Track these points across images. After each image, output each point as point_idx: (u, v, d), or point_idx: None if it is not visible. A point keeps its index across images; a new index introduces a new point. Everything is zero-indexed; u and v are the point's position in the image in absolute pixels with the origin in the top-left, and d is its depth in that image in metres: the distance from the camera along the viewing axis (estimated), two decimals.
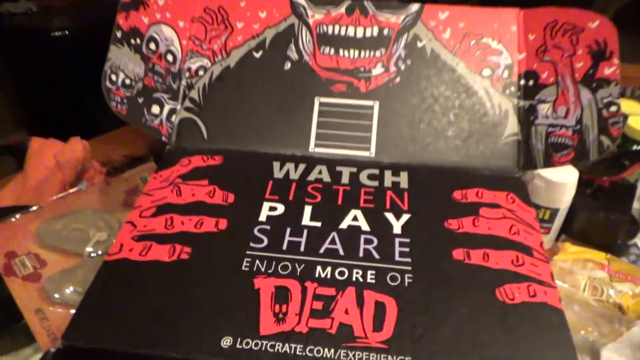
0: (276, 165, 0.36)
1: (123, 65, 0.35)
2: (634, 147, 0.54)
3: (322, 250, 0.30)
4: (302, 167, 0.36)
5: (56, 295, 0.37)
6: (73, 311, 0.37)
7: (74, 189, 0.45)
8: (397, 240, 0.31)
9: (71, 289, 0.38)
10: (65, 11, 1.84)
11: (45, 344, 0.36)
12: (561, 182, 0.46)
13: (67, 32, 1.69)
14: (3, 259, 0.38)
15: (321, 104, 0.38)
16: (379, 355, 0.25)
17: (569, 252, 0.47)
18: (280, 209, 0.33)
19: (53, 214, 0.41)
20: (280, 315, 0.26)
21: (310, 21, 0.40)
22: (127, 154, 0.55)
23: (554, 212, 0.48)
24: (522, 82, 0.37)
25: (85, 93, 1.77)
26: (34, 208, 0.41)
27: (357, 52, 0.39)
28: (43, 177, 0.53)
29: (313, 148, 0.37)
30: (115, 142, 0.62)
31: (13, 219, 0.40)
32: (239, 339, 0.25)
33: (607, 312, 0.40)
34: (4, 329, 0.37)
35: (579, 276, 0.44)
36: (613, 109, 0.33)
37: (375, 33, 0.39)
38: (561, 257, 0.47)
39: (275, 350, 0.25)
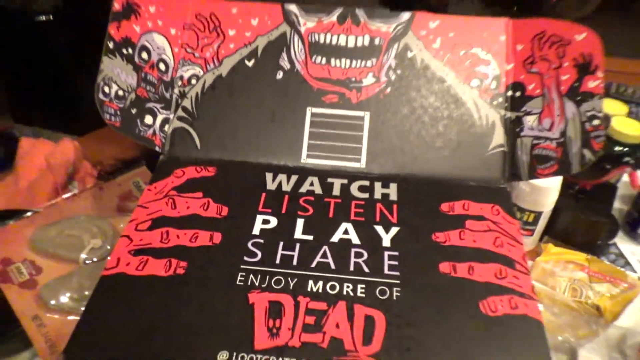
0: (269, 176, 0.37)
1: (115, 77, 0.35)
2: (617, 149, 0.55)
3: (314, 264, 0.31)
4: (294, 178, 0.37)
5: (52, 302, 0.38)
6: (70, 317, 0.38)
7: (67, 195, 0.46)
8: (386, 253, 0.32)
9: (67, 295, 0.38)
10: None
11: (43, 349, 0.36)
12: (545, 186, 0.47)
13: (50, 17, 1.65)
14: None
15: (313, 115, 0.39)
16: None
17: (551, 253, 0.49)
18: (274, 222, 0.33)
19: (47, 220, 0.41)
20: (274, 330, 0.27)
21: (302, 29, 0.40)
22: (118, 155, 0.55)
23: (538, 215, 0.49)
24: (510, 93, 0.38)
25: (71, 78, 1.74)
26: (28, 214, 0.42)
27: (348, 61, 0.39)
28: (34, 178, 0.53)
29: (305, 159, 0.38)
30: (106, 141, 0.62)
31: (7, 225, 0.40)
32: (235, 354, 0.26)
33: (585, 314, 0.42)
34: (1, 334, 0.38)
35: (559, 277, 0.46)
36: (596, 122, 0.34)
37: (366, 42, 0.40)
38: (543, 258, 0.49)
39: None
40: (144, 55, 0.37)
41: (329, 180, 0.37)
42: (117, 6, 0.35)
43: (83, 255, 0.41)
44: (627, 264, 0.52)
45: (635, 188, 0.51)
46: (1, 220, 0.41)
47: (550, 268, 0.48)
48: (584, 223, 0.51)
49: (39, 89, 1.78)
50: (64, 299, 0.38)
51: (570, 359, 0.40)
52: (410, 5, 0.43)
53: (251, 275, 0.30)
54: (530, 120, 0.37)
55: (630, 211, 0.55)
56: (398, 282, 0.30)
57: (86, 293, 0.39)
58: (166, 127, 0.39)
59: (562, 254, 0.49)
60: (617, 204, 0.59)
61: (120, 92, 0.35)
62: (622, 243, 0.55)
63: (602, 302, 0.43)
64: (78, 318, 0.37)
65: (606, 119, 0.54)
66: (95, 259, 0.41)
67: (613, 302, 0.43)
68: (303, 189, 0.36)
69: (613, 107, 0.64)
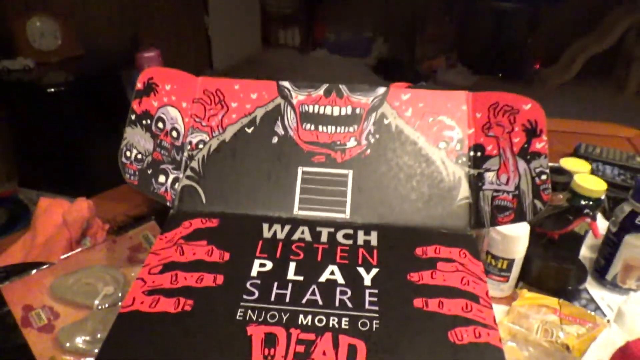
0: (265, 226, 0.42)
1: (136, 143, 0.41)
2: (580, 202, 0.61)
3: (304, 301, 0.35)
4: (287, 227, 0.42)
5: (68, 345, 0.42)
6: (83, 359, 0.41)
7: (81, 248, 0.50)
8: (367, 291, 0.36)
9: (82, 338, 0.42)
10: (61, 67, 1.93)
11: None
12: (514, 235, 0.53)
13: (62, 88, 1.77)
14: (21, 312, 0.43)
15: (304, 173, 0.45)
16: None
17: (525, 298, 0.53)
18: (269, 265, 0.38)
19: (65, 270, 0.46)
20: (269, 358, 0.32)
21: (294, 102, 0.47)
22: (129, 212, 0.61)
23: (511, 262, 0.54)
24: (472, 153, 0.45)
25: (77, 145, 1.83)
26: (46, 265, 0.46)
27: (333, 127, 0.46)
28: (51, 234, 0.58)
29: (297, 211, 0.43)
30: (117, 200, 0.68)
31: (30, 275, 0.45)
32: None
33: (555, 352, 0.45)
34: None
35: (532, 320, 0.50)
36: (543, 177, 0.40)
37: (349, 112, 0.47)
38: (519, 303, 0.53)
39: None
40: (160, 124, 0.44)
41: (318, 229, 0.42)
42: (139, 85, 0.42)
43: (97, 302, 0.45)
44: (598, 308, 0.56)
45: (597, 237, 0.56)
46: (24, 272, 0.46)
47: (525, 311, 0.52)
48: (553, 270, 0.56)
49: (45, 155, 1.86)
50: (79, 341, 0.42)
51: None
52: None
53: (249, 311, 0.35)
54: (490, 176, 0.43)
55: (597, 259, 0.60)
56: (377, 315, 0.35)
57: (99, 336, 0.43)
58: (176, 185, 0.44)
59: (535, 299, 0.53)
60: (588, 253, 0.64)
61: (140, 156, 0.41)
62: (593, 289, 0.59)
63: (571, 341, 0.47)
64: (92, 359, 0.41)
65: (570, 175, 0.61)
66: (107, 305, 0.45)
67: (580, 341, 0.47)
68: (295, 237, 0.41)
69: (577, 165, 0.71)
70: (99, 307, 0.45)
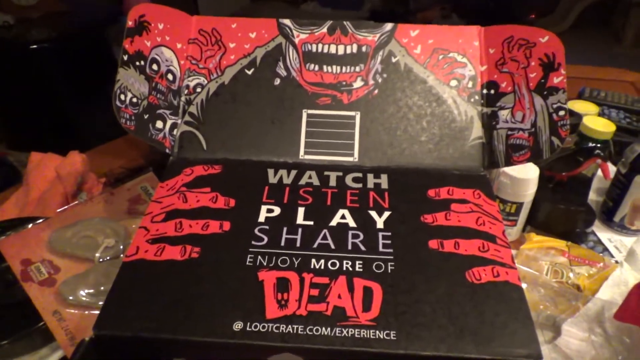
0: (270, 171, 0.40)
1: (130, 86, 0.39)
2: (588, 145, 0.60)
3: (315, 245, 0.34)
4: (293, 172, 0.40)
5: (71, 298, 0.41)
6: (87, 312, 0.40)
7: (76, 201, 0.48)
8: (380, 234, 0.35)
9: (84, 291, 0.41)
10: (42, 23, 1.84)
11: (64, 341, 0.39)
12: (524, 178, 0.51)
13: (45, 45, 1.69)
14: (20, 266, 0.41)
15: (308, 116, 0.42)
16: (368, 331, 0.29)
17: (533, 242, 0.53)
18: (277, 210, 0.37)
19: (63, 223, 0.44)
20: (283, 302, 0.30)
21: (296, 40, 0.44)
22: (125, 165, 0.58)
23: (519, 206, 0.53)
24: (485, 91, 0.42)
25: (63, 103, 1.77)
26: (43, 219, 0.44)
27: (339, 67, 0.44)
28: (45, 189, 0.56)
29: (303, 155, 0.41)
30: (112, 154, 0.66)
31: (26, 229, 0.43)
32: (249, 323, 0.29)
33: (566, 292, 0.45)
34: (25, 330, 0.41)
35: (542, 262, 0.49)
36: (561, 113, 0.38)
37: (355, 50, 0.44)
38: (527, 246, 0.52)
39: (280, 331, 0.29)
40: (154, 66, 0.41)
41: (326, 173, 0.40)
42: (130, 23, 0.39)
43: (98, 254, 0.43)
44: (605, 249, 0.56)
45: (607, 178, 0.55)
46: (20, 225, 0.44)
47: (534, 254, 0.51)
48: (561, 212, 0.55)
49: (32, 115, 1.81)
50: (82, 294, 0.41)
51: (554, 333, 0.44)
52: (394, 22, 0.48)
53: (259, 257, 0.33)
54: (504, 114, 0.41)
55: (605, 201, 0.59)
56: (392, 257, 0.33)
57: (102, 288, 0.41)
58: (175, 131, 0.42)
59: (543, 242, 0.53)
60: (594, 196, 0.63)
61: (135, 99, 0.39)
62: (600, 231, 0.59)
63: (582, 281, 0.47)
64: (95, 312, 0.40)
65: (578, 117, 0.59)
66: (109, 257, 0.43)
67: (591, 281, 0.47)
68: (302, 182, 0.39)
69: (586, 107, 0.69)
70: (100, 260, 0.43)
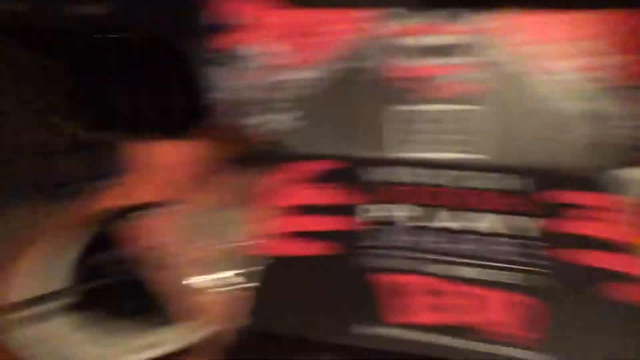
0: (391, 170, 0.39)
1: (222, 82, 0.39)
2: None
3: (461, 251, 0.32)
4: (420, 171, 0.38)
5: (196, 281, 0.41)
6: (211, 296, 0.41)
7: (194, 191, 0.49)
8: (533, 242, 0.33)
9: (209, 276, 0.42)
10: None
11: (193, 327, 0.40)
12: None
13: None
14: (145, 251, 0.43)
15: (414, 112, 0.41)
16: (529, 352, 0.27)
17: None
18: (413, 212, 0.35)
19: (187, 211, 0.45)
20: (435, 308, 0.29)
21: (390, 32, 0.42)
22: (231, 155, 0.59)
23: None
24: (607, 85, 0.38)
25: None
26: (167, 205, 0.46)
27: (435, 60, 0.41)
28: (160, 176, 0.57)
29: (418, 153, 0.40)
30: (220, 142, 0.66)
31: (151, 215, 0.44)
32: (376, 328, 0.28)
33: None
34: (145, 312, 0.42)
35: None
36: None
37: (454, 41, 0.41)
38: None
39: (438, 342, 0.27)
40: (246, 62, 0.41)
41: (453, 172, 0.38)
42: (217, 20, 0.39)
43: (222, 242, 0.44)
44: None
45: None
46: (143, 211, 0.46)
47: None
48: None
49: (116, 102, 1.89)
50: (206, 279, 0.41)
51: None
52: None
53: (389, 259, 0.32)
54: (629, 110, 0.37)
55: None
56: (552, 272, 0.31)
57: (226, 274, 0.42)
58: (268, 126, 0.42)
59: None
60: None
61: (227, 95, 0.39)
62: None
63: None
64: (220, 296, 0.40)
65: None
66: (233, 245, 0.44)
67: None
68: (430, 181, 0.37)
69: None
70: (224, 247, 0.44)
